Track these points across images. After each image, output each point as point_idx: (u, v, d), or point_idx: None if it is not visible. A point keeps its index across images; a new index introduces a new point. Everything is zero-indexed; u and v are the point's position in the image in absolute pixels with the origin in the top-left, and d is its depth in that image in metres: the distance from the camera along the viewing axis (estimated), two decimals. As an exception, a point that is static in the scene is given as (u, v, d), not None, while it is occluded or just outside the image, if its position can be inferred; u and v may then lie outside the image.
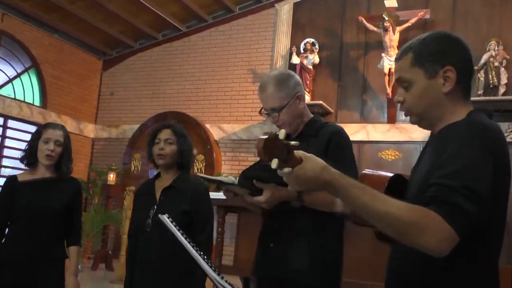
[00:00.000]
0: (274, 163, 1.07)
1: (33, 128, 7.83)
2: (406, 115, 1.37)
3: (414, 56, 1.30)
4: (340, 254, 1.95)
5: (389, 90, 6.56)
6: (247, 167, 1.85)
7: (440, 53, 1.28)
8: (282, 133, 1.08)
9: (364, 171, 1.41)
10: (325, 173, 1.14)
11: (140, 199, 2.41)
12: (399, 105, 1.40)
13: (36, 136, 2.48)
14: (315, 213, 1.85)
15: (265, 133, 1.09)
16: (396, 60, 1.36)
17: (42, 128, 2.52)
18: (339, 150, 1.87)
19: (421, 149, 1.52)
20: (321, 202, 1.83)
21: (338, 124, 2.08)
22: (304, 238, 1.89)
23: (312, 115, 2.07)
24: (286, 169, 1.11)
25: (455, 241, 1.09)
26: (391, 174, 1.38)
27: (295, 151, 1.12)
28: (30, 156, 2.48)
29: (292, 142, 1.10)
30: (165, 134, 2.33)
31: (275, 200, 1.86)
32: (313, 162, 1.14)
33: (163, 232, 1.99)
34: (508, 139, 6.10)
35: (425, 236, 1.08)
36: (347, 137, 1.99)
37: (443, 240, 1.08)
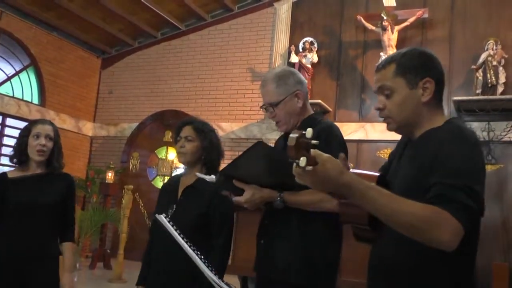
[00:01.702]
0: (303, 162, 1.11)
1: (31, 127, 7.84)
2: (385, 122, 1.47)
3: (397, 67, 1.42)
4: (329, 258, 1.91)
5: (387, 89, 6.55)
6: (228, 164, 1.83)
7: (422, 66, 1.41)
8: (309, 132, 1.12)
9: (352, 170, 1.44)
10: (344, 176, 1.20)
11: (164, 195, 2.36)
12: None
13: (25, 133, 2.43)
14: (303, 212, 1.85)
15: (294, 131, 1.13)
16: (378, 69, 1.46)
17: (30, 124, 2.47)
18: (325, 146, 1.86)
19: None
20: (304, 203, 1.83)
21: (332, 122, 2.08)
22: (290, 237, 1.88)
23: (311, 113, 2.07)
24: (308, 168, 1.13)
25: (461, 236, 1.19)
26: (376, 173, 1.45)
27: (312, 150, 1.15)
28: (21, 154, 2.43)
29: (313, 141, 1.13)
30: (186, 131, 2.27)
31: (256, 201, 1.86)
32: (334, 163, 1.20)
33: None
34: (505, 138, 6.12)
35: (439, 232, 1.17)
36: (337, 133, 1.97)
37: (454, 235, 1.18)
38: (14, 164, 2.51)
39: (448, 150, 1.27)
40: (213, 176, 1.97)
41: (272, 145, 2.23)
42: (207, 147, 2.26)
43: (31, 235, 2.35)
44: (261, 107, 2.12)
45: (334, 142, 1.92)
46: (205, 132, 2.28)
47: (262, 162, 1.78)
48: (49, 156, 2.44)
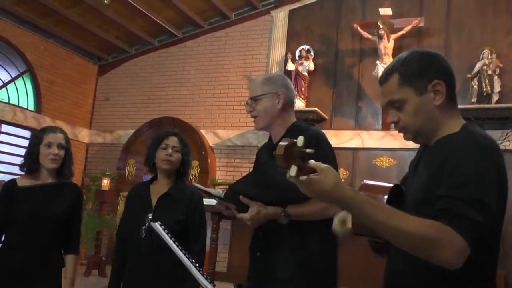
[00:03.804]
0: (293, 171, 1.07)
1: (27, 133, 7.82)
2: (401, 132, 1.39)
3: (400, 76, 1.32)
4: (328, 264, 1.92)
5: (383, 97, 6.57)
6: (236, 180, 1.85)
7: (426, 69, 1.31)
8: (300, 140, 1.09)
9: (364, 182, 1.41)
10: (338, 190, 1.15)
11: (133, 202, 2.38)
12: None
13: (36, 141, 2.39)
14: (300, 224, 1.85)
15: (284, 140, 1.09)
16: (381, 83, 1.37)
17: (41, 132, 2.44)
18: (318, 150, 1.86)
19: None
20: (309, 214, 1.84)
21: (318, 129, 2.09)
22: (288, 248, 1.88)
23: (295, 120, 2.08)
24: (302, 177, 1.10)
25: (467, 253, 1.11)
26: (389, 184, 1.38)
27: (309, 160, 1.12)
28: (32, 163, 2.39)
29: (308, 150, 1.10)
30: (173, 141, 2.33)
31: (261, 218, 1.86)
32: (329, 176, 1.15)
33: (157, 239, 1.99)
34: (501, 147, 6.14)
35: (441, 250, 1.10)
36: (326, 140, 1.99)
37: (458, 253, 1.11)
38: (24, 173, 2.46)
39: (458, 159, 1.19)
40: (219, 190, 1.97)
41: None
42: (187, 161, 2.36)
43: (34, 245, 2.30)
44: (246, 102, 2.12)
45: (325, 149, 1.92)
46: (188, 146, 2.37)
47: (270, 180, 1.77)
48: (60, 164, 2.41)
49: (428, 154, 1.33)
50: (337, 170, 1.83)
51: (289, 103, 2.06)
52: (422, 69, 1.31)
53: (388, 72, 1.35)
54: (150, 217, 2.21)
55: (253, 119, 2.10)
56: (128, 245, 2.28)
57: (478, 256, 1.18)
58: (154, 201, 2.28)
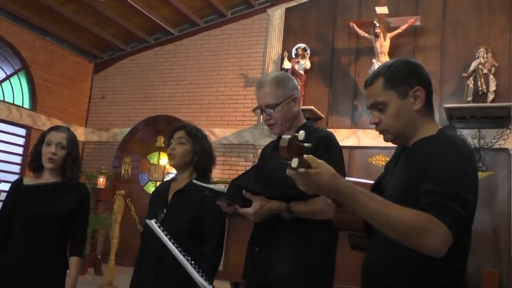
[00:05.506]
0: (295, 163, 1.13)
1: (22, 131, 7.79)
2: (381, 134, 1.49)
3: (386, 80, 1.44)
4: (327, 262, 1.93)
5: (379, 96, 6.57)
6: (238, 175, 1.84)
7: (409, 76, 1.44)
8: (301, 135, 1.15)
9: (347, 178, 1.46)
10: (336, 180, 1.23)
11: (154, 200, 2.36)
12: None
13: (40, 140, 2.38)
14: (302, 219, 1.86)
15: (287, 133, 1.14)
16: (367, 85, 1.49)
17: (46, 131, 2.42)
18: (328, 153, 1.86)
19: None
20: (311, 212, 1.84)
21: (329, 130, 2.09)
22: (288, 244, 1.88)
23: (305, 121, 2.08)
24: (301, 170, 1.16)
25: (451, 242, 1.21)
26: (370, 181, 1.49)
27: (304, 155, 1.17)
28: (34, 161, 2.37)
29: (306, 144, 1.15)
30: (179, 134, 2.29)
31: (264, 213, 1.86)
32: (327, 168, 1.23)
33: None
34: (496, 145, 6.17)
35: (428, 238, 1.20)
36: (336, 141, 2.02)
37: (443, 242, 1.20)
38: (29, 171, 2.45)
39: (440, 160, 1.30)
40: (222, 186, 1.96)
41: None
42: (198, 151, 2.26)
43: (38, 248, 2.26)
44: (253, 109, 2.10)
45: (335, 150, 1.96)
46: (197, 136, 2.29)
47: (273, 175, 1.77)
48: (62, 164, 2.36)
49: (407, 155, 1.45)
50: (344, 171, 1.88)
51: (299, 102, 2.07)
52: (405, 75, 1.43)
53: (374, 76, 1.48)
54: (163, 215, 2.17)
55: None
56: (145, 242, 2.25)
57: (455, 250, 1.27)
58: (170, 198, 2.24)
